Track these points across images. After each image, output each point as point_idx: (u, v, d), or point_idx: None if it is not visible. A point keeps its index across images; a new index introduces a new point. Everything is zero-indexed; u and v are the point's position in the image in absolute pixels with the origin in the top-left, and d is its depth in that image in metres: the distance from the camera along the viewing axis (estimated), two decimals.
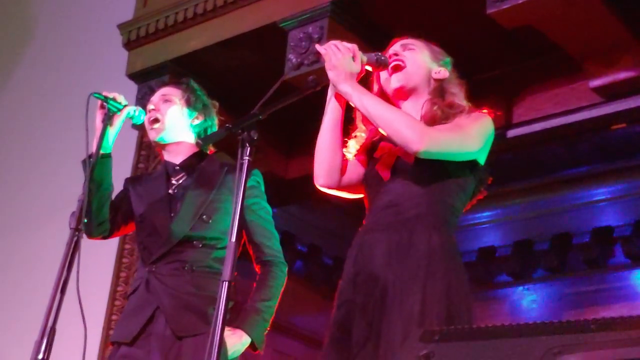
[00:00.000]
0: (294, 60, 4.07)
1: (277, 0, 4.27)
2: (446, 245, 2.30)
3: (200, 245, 2.80)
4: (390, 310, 2.24)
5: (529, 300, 6.11)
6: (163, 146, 2.96)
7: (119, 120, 2.79)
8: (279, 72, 3.97)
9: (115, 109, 2.77)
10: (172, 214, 2.84)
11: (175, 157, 2.95)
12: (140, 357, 2.71)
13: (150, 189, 2.94)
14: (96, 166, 2.71)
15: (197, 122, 2.97)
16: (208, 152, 3.00)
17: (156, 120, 2.91)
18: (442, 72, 2.51)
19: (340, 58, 2.35)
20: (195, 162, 2.94)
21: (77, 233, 2.47)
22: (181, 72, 4.68)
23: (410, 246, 2.28)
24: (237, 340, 2.76)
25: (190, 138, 2.96)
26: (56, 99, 5.67)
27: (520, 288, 6.16)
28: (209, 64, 4.66)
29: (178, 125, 2.94)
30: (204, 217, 2.81)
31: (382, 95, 2.51)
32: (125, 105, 2.81)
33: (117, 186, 3.03)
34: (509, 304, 6.19)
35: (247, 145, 2.15)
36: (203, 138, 2.89)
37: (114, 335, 2.83)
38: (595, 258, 5.76)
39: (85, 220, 2.52)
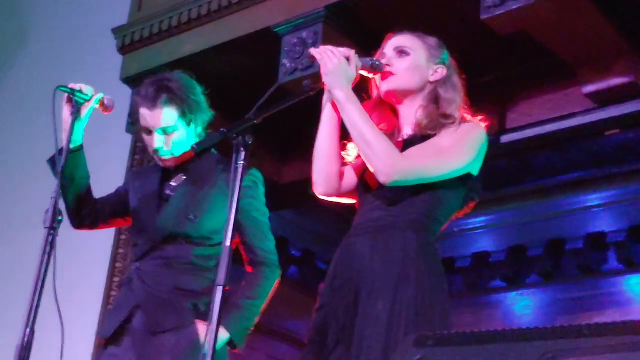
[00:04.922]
0: (288, 65, 4.07)
1: (272, 6, 4.27)
2: (423, 249, 2.29)
3: (184, 243, 2.80)
4: (361, 314, 2.24)
5: (522, 306, 6.12)
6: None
7: (86, 110, 2.73)
8: (274, 77, 3.98)
9: (82, 101, 2.71)
10: (159, 211, 2.83)
11: (173, 162, 2.93)
12: (119, 355, 2.73)
13: (144, 185, 2.93)
14: (67, 161, 2.65)
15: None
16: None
17: (166, 153, 2.84)
18: (440, 71, 2.47)
19: (337, 63, 2.34)
20: (190, 160, 2.91)
21: (52, 232, 2.45)
22: None
23: (386, 250, 2.29)
24: None
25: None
26: (50, 102, 5.65)
27: (514, 293, 6.17)
28: (203, 69, 4.64)
29: (182, 146, 2.87)
30: (191, 216, 2.80)
31: (380, 100, 2.50)
32: (92, 96, 2.74)
33: (109, 190, 3.04)
34: (503, 309, 6.20)
35: (242, 149, 2.15)
36: (198, 143, 2.88)
37: (99, 330, 2.85)
38: (589, 264, 5.77)
39: (60, 218, 2.49)
